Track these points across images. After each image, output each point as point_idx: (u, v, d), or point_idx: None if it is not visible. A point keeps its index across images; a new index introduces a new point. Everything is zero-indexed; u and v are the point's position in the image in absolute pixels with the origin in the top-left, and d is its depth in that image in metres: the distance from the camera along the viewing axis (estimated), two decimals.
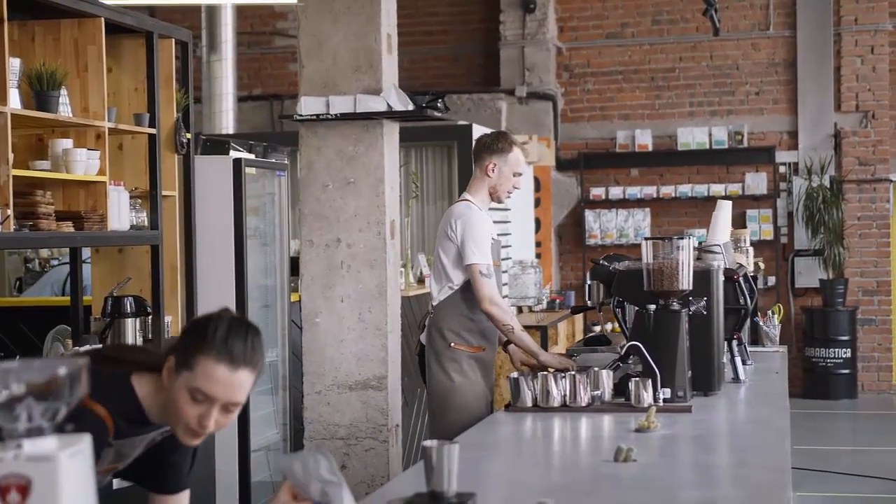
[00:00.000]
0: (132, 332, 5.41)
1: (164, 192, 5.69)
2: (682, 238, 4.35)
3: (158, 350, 2.78)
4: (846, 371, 11.97)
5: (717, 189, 12.27)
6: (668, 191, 12.49)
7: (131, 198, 5.49)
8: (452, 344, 5.10)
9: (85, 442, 1.81)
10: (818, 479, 8.34)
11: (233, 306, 6.17)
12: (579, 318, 10.60)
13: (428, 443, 2.68)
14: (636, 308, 4.46)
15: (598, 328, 10.26)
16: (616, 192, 12.58)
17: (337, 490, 2.39)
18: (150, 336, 5.59)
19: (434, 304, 5.20)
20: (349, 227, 5.44)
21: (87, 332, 5.55)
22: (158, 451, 2.77)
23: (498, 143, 5.22)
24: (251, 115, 12.79)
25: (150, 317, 5.58)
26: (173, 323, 5.82)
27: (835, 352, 11.94)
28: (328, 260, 5.46)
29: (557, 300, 10.54)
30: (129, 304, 5.43)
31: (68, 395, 1.81)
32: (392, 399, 5.49)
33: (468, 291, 5.10)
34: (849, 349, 11.96)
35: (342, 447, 5.43)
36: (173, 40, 5.85)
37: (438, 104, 5.60)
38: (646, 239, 4.37)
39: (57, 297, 7.08)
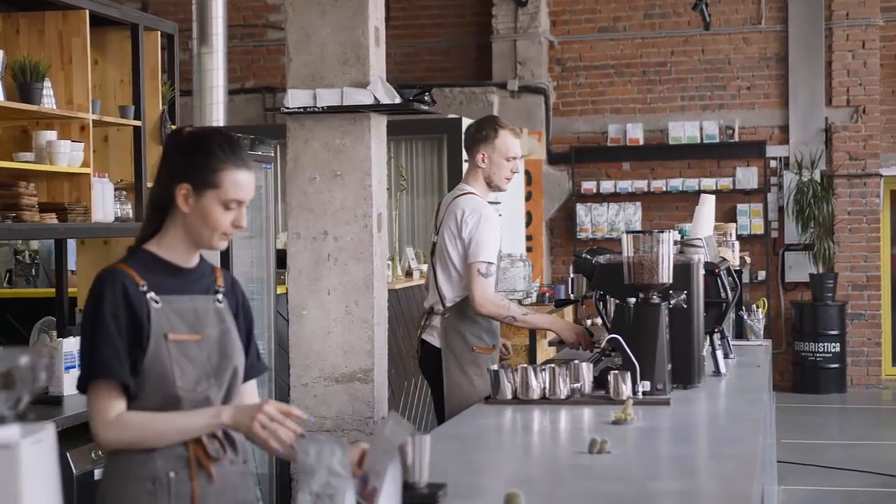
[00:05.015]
0: None
1: (149, 184, 5.70)
2: (663, 232, 4.36)
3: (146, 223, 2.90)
4: (835, 365, 12.00)
5: (708, 183, 12.28)
6: (659, 185, 12.51)
7: (116, 189, 5.49)
8: (475, 348, 5.02)
9: (48, 430, 1.83)
10: (806, 472, 8.38)
11: None
12: (571, 311, 10.61)
13: None
14: (617, 301, 4.48)
15: (589, 321, 10.26)
16: (607, 186, 12.59)
17: (342, 484, 2.39)
18: None
19: (447, 304, 5.06)
20: (336, 220, 5.43)
21: (73, 323, 5.55)
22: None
23: (482, 130, 5.11)
24: (244, 107, 12.81)
25: None
26: None
27: (824, 346, 11.96)
28: (315, 252, 5.45)
29: (548, 293, 10.55)
30: None
31: (31, 384, 1.83)
32: (378, 392, 5.49)
33: None
34: (838, 343, 11.99)
35: None
36: (159, 32, 5.86)
37: (425, 97, 5.59)
38: (627, 232, 4.38)
39: (44, 289, 7.09)
